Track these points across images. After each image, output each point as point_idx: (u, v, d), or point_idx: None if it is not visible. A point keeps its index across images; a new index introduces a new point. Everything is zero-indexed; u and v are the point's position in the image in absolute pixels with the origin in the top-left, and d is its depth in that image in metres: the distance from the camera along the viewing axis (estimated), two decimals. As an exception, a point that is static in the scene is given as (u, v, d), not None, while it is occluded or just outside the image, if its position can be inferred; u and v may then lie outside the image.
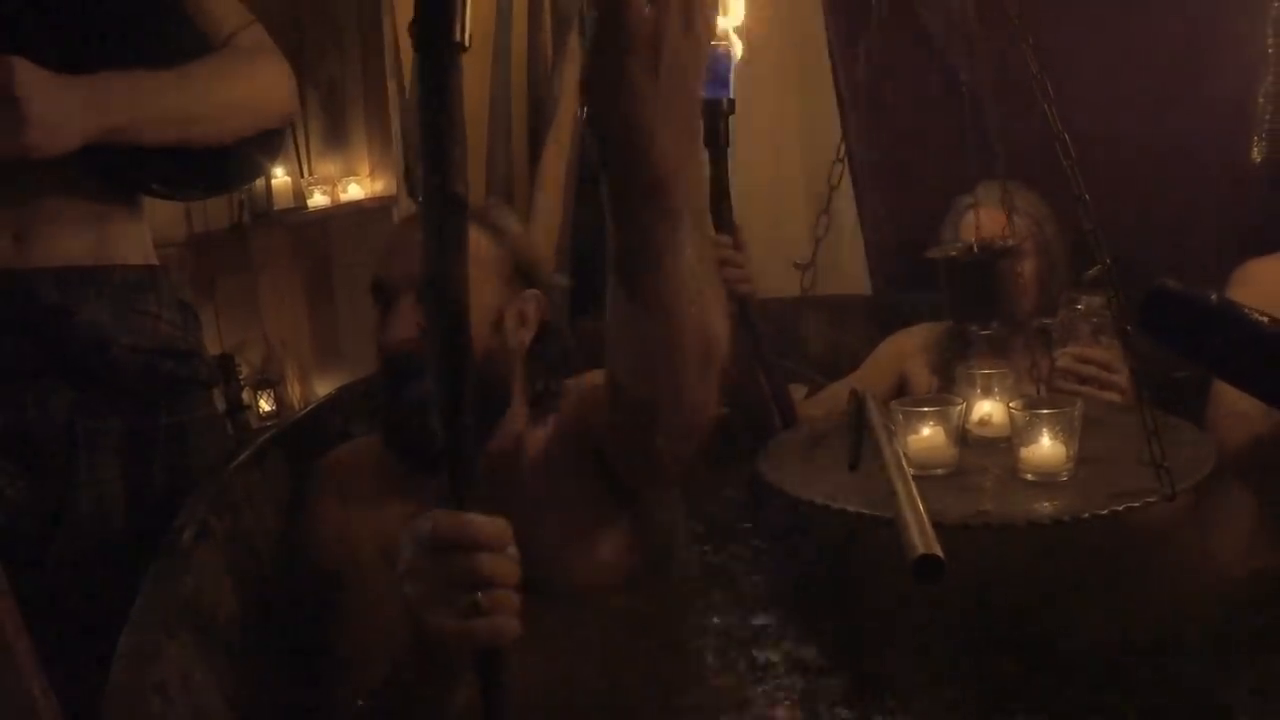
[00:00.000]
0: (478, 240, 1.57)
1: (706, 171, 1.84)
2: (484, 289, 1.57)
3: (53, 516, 1.51)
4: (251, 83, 1.66)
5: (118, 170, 1.57)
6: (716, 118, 1.80)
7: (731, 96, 1.78)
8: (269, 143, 1.74)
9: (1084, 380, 1.85)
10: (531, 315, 1.66)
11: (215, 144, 1.61)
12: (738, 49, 1.73)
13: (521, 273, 1.67)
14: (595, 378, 1.67)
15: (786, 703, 1.35)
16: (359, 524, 1.56)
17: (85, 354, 1.53)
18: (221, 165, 1.68)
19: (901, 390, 2.38)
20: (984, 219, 2.10)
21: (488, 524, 1.02)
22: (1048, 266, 2.27)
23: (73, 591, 1.49)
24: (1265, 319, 1.09)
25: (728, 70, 1.73)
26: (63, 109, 1.43)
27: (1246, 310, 1.14)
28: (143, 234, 1.69)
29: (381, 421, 1.64)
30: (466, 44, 0.94)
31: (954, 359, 2.11)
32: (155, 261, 1.70)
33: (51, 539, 1.51)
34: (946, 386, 2.06)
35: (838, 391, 2.29)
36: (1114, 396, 1.76)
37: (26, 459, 1.51)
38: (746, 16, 1.76)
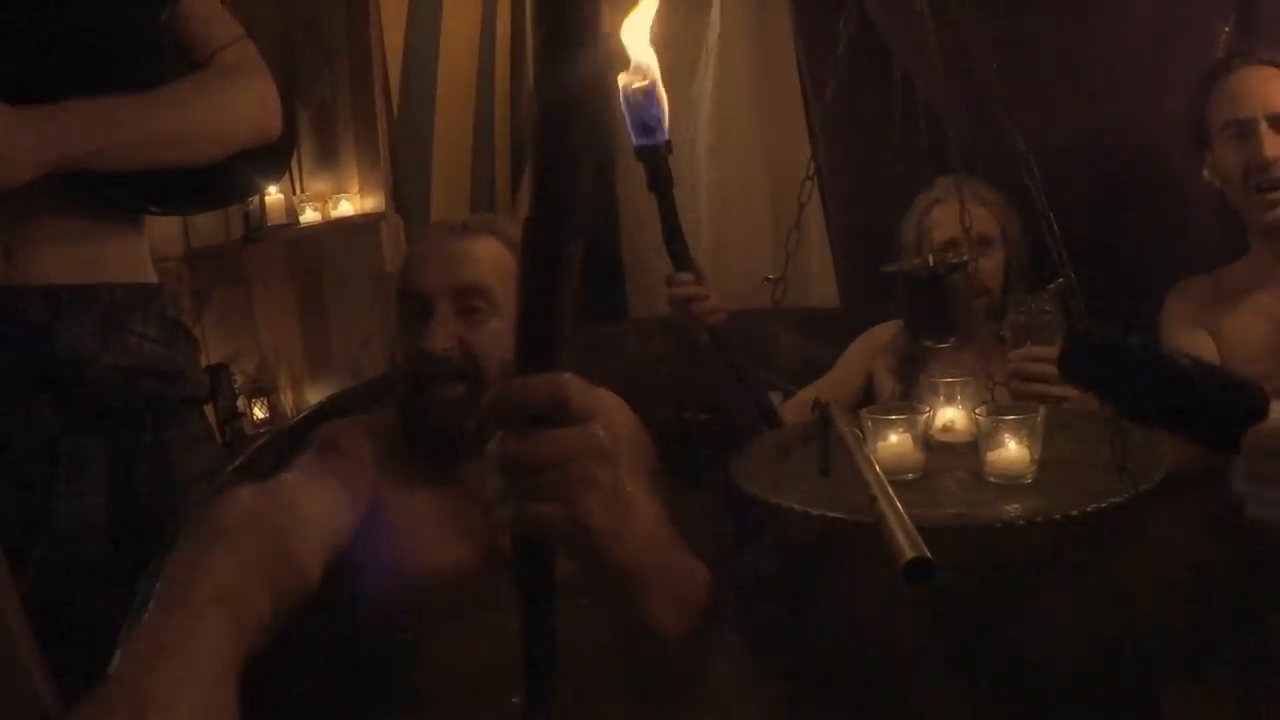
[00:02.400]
0: (496, 254, 1.64)
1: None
2: (504, 296, 1.60)
3: (32, 528, 1.48)
4: (228, 105, 1.61)
5: (106, 192, 1.53)
6: (656, 162, 1.78)
7: (667, 139, 1.77)
8: (267, 162, 1.71)
9: (1034, 378, 1.86)
10: None
11: (192, 166, 1.56)
12: (663, 93, 1.72)
13: None
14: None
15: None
16: (353, 471, 1.54)
17: (64, 373, 1.49)
18: (218, 183, 1.64)
19: (870, 388, 2.40)
20: (946, 216, 2.12)
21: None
22: (1012, 259, 2.29)
23: (53, 601, 1.44)
24: (1186, 359, 1.07)
25: (658, 117, 1.73)
26: (13, 142, 1.37)
27: (1166, 351, 1.12)
28: (138, 252, 1.64)
29: (405, 417, 1.62)
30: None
31: (911, 365, 2.11)
32: (151, 279, 1.66)
33: (32, 550, 1.48)
34: (905, 390, 2.07)
35: (812, 395, 2.31)
36: (1068, 392, 1.76)
37: (10, 472, 1.49)
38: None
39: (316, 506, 1.39)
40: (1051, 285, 1.74)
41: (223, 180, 1.64)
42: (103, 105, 1.46)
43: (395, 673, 1.47)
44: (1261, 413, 0.97)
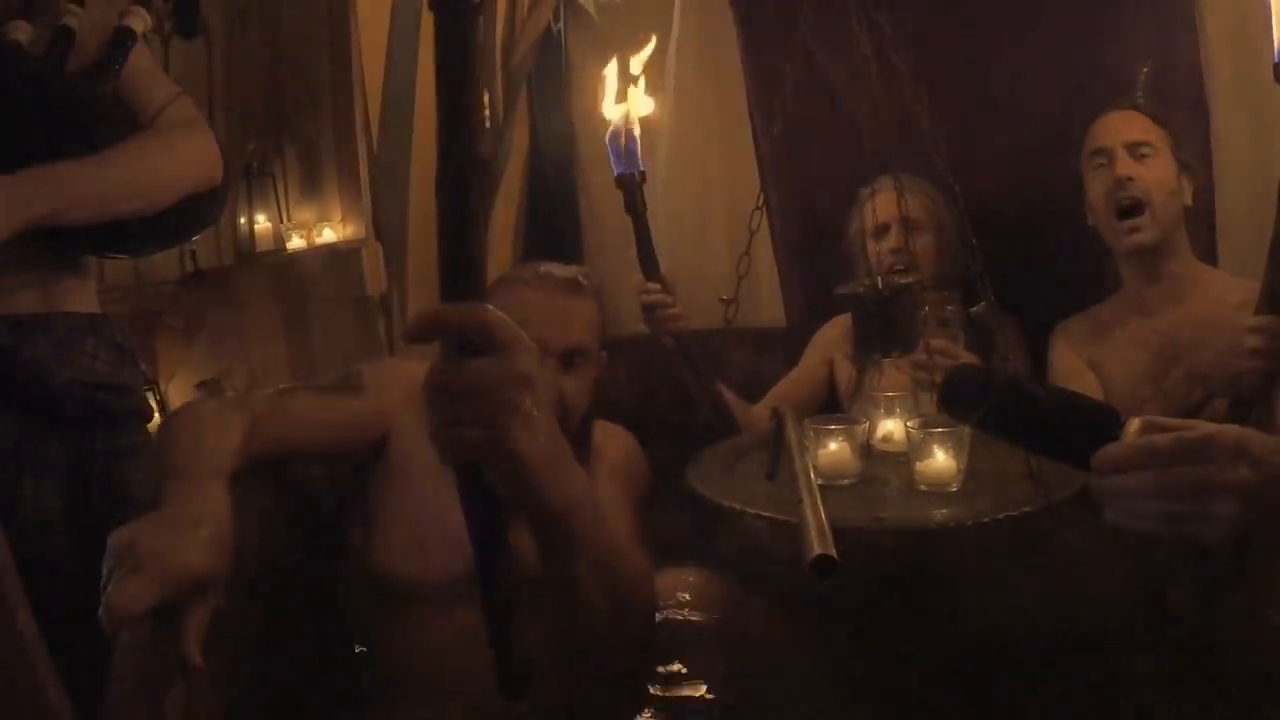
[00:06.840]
0: (595, 314, 1.72)
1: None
2: (594, 352, 1.71)
3: None
4: (173, 158, 1.67)
5: (60, 240, 1.58)
6: (632, 188, 1.95)
7: (641, 169, 1.94)
8: (200, 211, 1.75)
9: (921, 367, 1.87)
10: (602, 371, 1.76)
11: (145, 215, 1.62)
12: (637, 130, 1.91)
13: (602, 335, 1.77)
14: (615, 442, 1.81)
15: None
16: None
17: (29, 387, 1.55)
18: (164, 228, 1.70)
19: (832, 376, 2.49)
20: (882, 201, 2.20)
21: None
22: (944, 240, 2.34)
23: None
24: (1043, 391, 1.13)
25: (634, 149, 1.91)
26: None
27: (1026, 384, 1.19)
28: (87, 289, 1.71)
29: None
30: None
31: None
32: (97, 310, 1.72)
33: None
34: (860, 377, 2.12)
35: (783, 390, 2.48)
36: None
37: None
38: (658, 105, 1.91)
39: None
40: (975, 308, 1.76)
41: (167, 226, 1.70)
42: (62, 169, 1.52)
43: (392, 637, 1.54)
44: (1112, 435, 1.01)
